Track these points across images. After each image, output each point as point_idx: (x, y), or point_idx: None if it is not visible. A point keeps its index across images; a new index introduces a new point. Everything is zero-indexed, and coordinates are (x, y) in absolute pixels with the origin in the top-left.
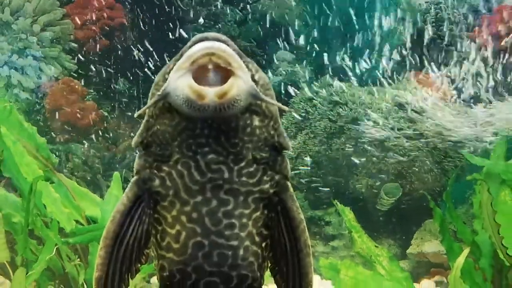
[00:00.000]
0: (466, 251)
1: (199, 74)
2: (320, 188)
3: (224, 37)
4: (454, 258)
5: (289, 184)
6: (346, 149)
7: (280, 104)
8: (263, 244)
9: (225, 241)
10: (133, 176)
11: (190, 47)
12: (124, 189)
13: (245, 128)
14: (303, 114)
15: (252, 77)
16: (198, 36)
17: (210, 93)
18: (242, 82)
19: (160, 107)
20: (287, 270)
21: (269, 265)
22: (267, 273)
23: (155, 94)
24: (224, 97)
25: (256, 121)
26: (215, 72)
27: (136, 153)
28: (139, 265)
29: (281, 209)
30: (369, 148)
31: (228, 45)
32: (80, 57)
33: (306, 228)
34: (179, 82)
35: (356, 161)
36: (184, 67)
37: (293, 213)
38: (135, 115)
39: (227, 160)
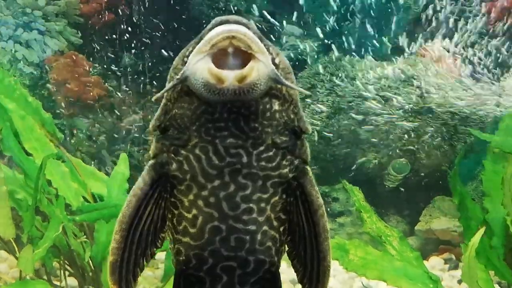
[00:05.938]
0: (481, 230)
1: (219, 57)
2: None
3: (244, 20)
4: (470, 237)
5: (308, 168)
6: (354, 124)
7: (301, 88)
8: (281, 229)
9: (243, 226)
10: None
11: (210, 30)
12: (130, 168)
13: (265, 112)
14: (311, 90)
15: (273, 60)
16: (219, 19)
17: (230, 76)
18: (262, 66)
19: (179, 91)
20: (305, 254)
21: (287, 249)
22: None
23: (173, 77)
24: (244, 81)
25: (276, 105)
26: (235, 56)
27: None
28: (155, 249)
29: (300, 194)
30: (377, 124)
31: (248, 28)
32: (85, 31)
33: (325, 212)
34: (198, 65)
35: (364, 136)
36: (204, 51)
37: (312, 198)
38: (153, 98)
39: (246, 144)
